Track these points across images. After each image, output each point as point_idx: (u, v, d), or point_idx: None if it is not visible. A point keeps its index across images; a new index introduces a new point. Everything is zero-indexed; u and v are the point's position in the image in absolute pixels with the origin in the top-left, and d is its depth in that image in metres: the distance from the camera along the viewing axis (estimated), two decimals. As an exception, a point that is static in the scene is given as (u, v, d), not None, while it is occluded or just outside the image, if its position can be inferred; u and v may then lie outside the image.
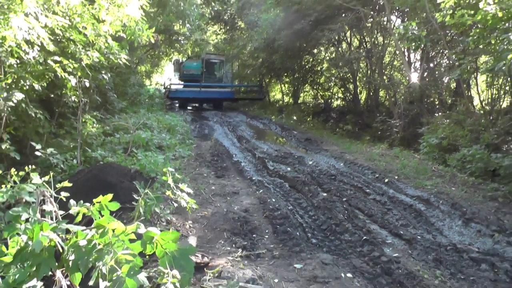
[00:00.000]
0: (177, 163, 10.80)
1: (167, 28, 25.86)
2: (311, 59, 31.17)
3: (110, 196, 3.58)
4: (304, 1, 22.52)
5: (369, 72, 24.43)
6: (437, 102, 19.36)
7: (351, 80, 26.64)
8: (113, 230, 3.13)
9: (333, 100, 30.42)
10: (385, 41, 22.36)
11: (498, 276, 5.78)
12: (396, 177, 11.23)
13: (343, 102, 29.39)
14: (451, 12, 10.29)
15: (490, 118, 14.25)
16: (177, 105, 33.99)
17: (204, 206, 7.77)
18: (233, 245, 6.04)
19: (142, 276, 2.92)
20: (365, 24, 21.49)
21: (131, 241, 3.15)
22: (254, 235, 6.59)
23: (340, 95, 29.95)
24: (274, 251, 5.96)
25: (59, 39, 8.49)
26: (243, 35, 36.79)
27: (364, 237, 6.69)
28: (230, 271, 4.98)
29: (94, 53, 8.64)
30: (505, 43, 8.95)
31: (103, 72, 11.10)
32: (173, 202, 6.05)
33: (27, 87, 7.88)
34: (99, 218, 3.34)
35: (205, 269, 4.97)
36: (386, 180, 10.89)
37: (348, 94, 28.20)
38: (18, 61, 7.52)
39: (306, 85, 33.32)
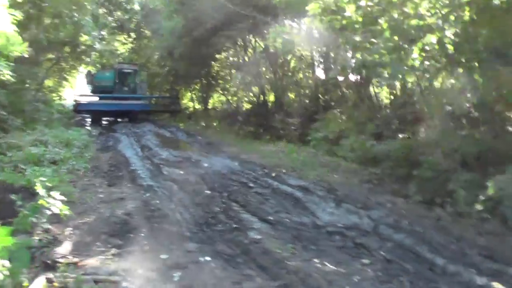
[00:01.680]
0: (70, 176, 11.04)
1: (70, 40, 25.60)
2: (216, 66, 31.56)
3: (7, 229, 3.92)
4: (201, 8, 22.98)
5: (274, 75, 25.13)
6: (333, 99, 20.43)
7: (256, 84, 27.32)
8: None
9: (241, 104, 30.86)
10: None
11: (346, 244, 6.56)
12: (284, 171, 11.99)
13: (251, 106, 29.99)
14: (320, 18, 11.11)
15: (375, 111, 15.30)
16: (88, 120, 32.47)
17: (88, 213, 8.09)
18: (108, 246, 6.44)
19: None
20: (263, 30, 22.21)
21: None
22: (131, 235, 6.99)
23: (247, 99, 30.55)
24: (146, 246, 6.41)
25: None
26: (150, 44, 36.70)
27: (234, 226, 7.29)
28: (96, 267, 5.43)
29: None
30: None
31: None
32: (46, 210, 6.36)
33: None
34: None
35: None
36: (274, 174, 11.60)
37: (254, 98, 28.91)
38: None
39: (215, 91, 33.79)
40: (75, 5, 21.30)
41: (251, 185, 10.47)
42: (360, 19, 9.95)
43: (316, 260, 5.82)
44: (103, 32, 33.36)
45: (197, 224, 7.59)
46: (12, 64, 10.19)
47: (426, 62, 8.96)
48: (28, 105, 19.19)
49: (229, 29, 22.08)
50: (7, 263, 3.41)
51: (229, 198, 9.23)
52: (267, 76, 25.22)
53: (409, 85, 12.81)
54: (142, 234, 7.02)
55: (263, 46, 23.56)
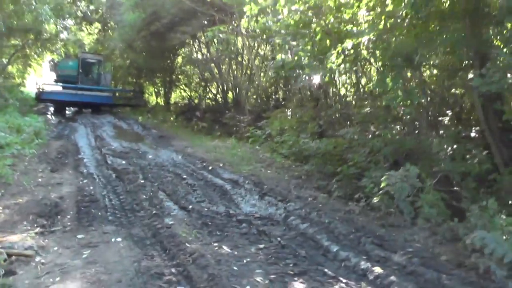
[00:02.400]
0: (13, 160, 11.46)
1: (32, 28, 25.77)
2: (178, 61, 31.90)
3: None
4: (159, 3, 23.41)
5: (231, 73, 25.67)
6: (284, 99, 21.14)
7: (215, 81, 27.85)
8: None
9: (200, 100, 31.26)
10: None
11: (250, 231, 7.15)
12: (221, 165, 12.59)
13: (209, 102, 30.49)
14: (255, 19, 11.76)
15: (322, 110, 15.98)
16: (51, 109, 31.82)
17: (22, 195, 8.57)
18: (34, 225, 6.93)
19: None
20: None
21: None
22: (58, 216, 7.51)
23: (208, 95, 31.02)
24: (68, 227, 6.95)
25: None
26: (114, 36, 36.78)
27: (155, 212, 7.85)
28: (14, 242, 5.95)
29: None
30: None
31: None
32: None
33: None
34: None
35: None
36: (210, 168, 12.22)
37: (211, 94, 29.48)
38: None
39: (176, 86, 34.20)
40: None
41: (185, 176, 11.07)
42: (292, 22, 10.62)
43: (215, 244, 6.41)
44: (70, 22, 33.42)
45: (122, 210, 8.13)
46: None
47: (342, 65, 9.67)
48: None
49: (186, 24, 22.56)
50: None
51: (159, 188, 9.78)
52: (226, 74, 25.76)
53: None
54: (68, 216, 7.55)
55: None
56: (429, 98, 9.96)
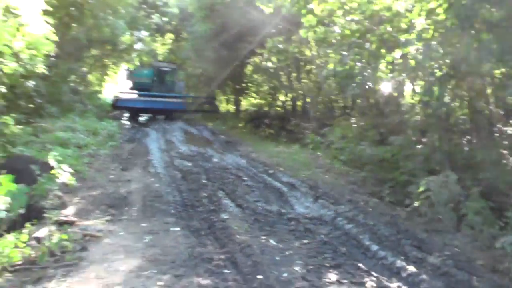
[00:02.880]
0: (89, 159, 12.56)
1: (109, 40, 27.35)
2: (245, 69, 32.64)
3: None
4: (227, 15, 24.33)
5: (298, 81, 26.19)
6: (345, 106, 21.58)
7: (283, 89, 28.50)
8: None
9: (269, 108, 31.75)
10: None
11: (297, 228, 7.71)
12: (281, 169, 13.19)
13: (279, 109, 31.04)
14: (313, 30, 12.29)
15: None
16: (126, 115, 32.86)
17: (96, 188, 9.57)
18: (105, 214, 7.84)
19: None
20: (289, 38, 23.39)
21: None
22: (126, 208, 8.38)
23: (276, 103, 31.60)
24: (134, 217, 7.80)
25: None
26: (185, 46, 38.00)
27: (212, 208, 8.57)
28: (88, 226, 6.84)
29: (11, 63, 10.39)
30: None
31: (29, 80, 12.85)
32: (58, 180, 7.80)
33: None
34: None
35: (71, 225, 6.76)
36: (271, 172, 12.83)
37: (280, 102, 30.12)
38: None
39: (246, 94, 34.99)
40: (110, 9, 23.09)
41: (245, 178, 11.72)
42: (348, 32, 11.11)
43: (263, 237, 7.02)
44: (144, 33, 34.89)
45: (183, 205, 8.88)
46: (52, 59, 11.73)
47: (390, 75, 10.07)
48: (65, 96, 20.98)
49: (253, 34, 23.27)
50: (9, 200, 4.89)
51: (219, 188, 10.46)
52: (293, 82, 26.27)
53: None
54: (135, 208, 8.41)
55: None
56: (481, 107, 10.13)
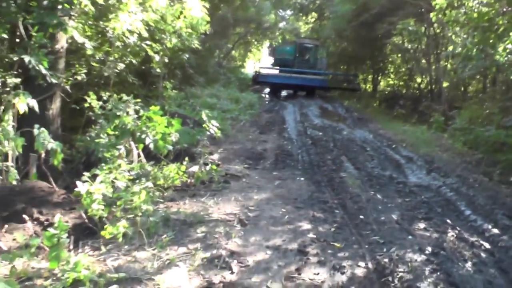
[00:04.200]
0: (232, 122, 14.60)
1: (254, 19, 29.43)
2: (384, 50, 32.61)
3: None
4: (369, -5, 25.23)
5: (431, 63, 26.49)
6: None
7: (418, 71, 28.78)
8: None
9: (406, 89, 31.66)
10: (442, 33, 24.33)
11: (403, 190, 8.90)
12: (404, 145, 14.25)
13: (414, 91, 31.17)
14: (443, 12, 12.94)
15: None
16: (267, 90, 33.80)
17: (236, 144, 11.58)
18: (243, 163, 9.68)
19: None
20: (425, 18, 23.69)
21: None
22: (261, 160, 10.21)
23: (412, 84, 31.72)
24: (267, 167, 9.57)
25: (151, 29, 12.31)
26: (328, 25, 38.88)
27: (334, 168, 10.08)
28: (230, 167, 8.68)
29: (173, 39, 12.59)
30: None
31: (183, 53, 15.16)
32: (207, 132, 9.69)
33: (127, 61, 11.83)
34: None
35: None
36: (394, 146, 13.95)
37: (416, 84, 30.37)
38: (122, 44, 11.39)
39: (384, 74, 35.45)
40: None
41: (368, 149, 12.98)
42: (476, 15, 11.69)
43: (371, 192, 8.36)
44: (288, 12, 36.61)
45: (310, 164, 10.47)
46: (203, 36, 13.93)
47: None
48: (211, 69, 23.56)
49: (393, 15, 23.52)
50: (178, 136, 6.89)
51: (343, 154, 11.90)
52: (429, 64, 26.50)
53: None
54: (268, 161, 10.19)
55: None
56: None
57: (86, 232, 5.24)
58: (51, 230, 3.99)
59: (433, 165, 11.59)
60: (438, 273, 4.95)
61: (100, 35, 11.46)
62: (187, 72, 18.80)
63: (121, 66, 11.45)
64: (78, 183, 5.05)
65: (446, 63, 23.26)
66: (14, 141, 6.40)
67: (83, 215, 5.32)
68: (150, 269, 4.38)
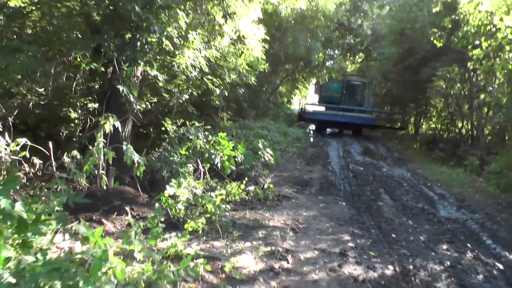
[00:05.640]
0: (281, 153, 16.01)
1: (304, 57, 30.78)
2: (427, 93, 33.05)
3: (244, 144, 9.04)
4: (415, 40, 26.27)
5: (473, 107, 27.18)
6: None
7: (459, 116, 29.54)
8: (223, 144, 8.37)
9: (448, 133, 32.38)
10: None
11: (432, 219, 10.00)
12: (438, 184, 15.29)
13: (455, 135, 31.77)
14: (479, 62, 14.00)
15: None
16: (311, 127, 34.26)
17: (285, 172, 13.02)
18: (292, 188, 11.06)
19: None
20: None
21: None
22: (307, 187, 11.58)
23: (453, 129, 32.32)
24: (313, 193, 10.93)
25: (212, 65, 13.86)
26: (374, 65, 39.84)
27: (372, 198, 11.32)
28: (281, 190, 10.06)
29: (232, 75, 14.15)
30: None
31: (240, 88, 16.75)
32: (262, 159, 11.11)
33: (189, 93, 13.39)
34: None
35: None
36: (429, 184, 15.01)
37: (456, 128, 31.05)
38: (186, 77, 12.94)
39: (426, 117, 36.12)
40: (308, 32, 26.79)
41: (405, 185, 14.12)
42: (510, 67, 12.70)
43: (404, 218, 9.58)
44: (336, 51, 38.05)
45: (351, 193, 11.75)
46: (256, 72, 15.58)
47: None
48: (262, 103, 25.21)
49: (436, 60, 24.52)
50: (242, 157, 8.39)
51: (382, 187, 13.09)
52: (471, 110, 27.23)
53: None
54: (314, 188, 11.53)
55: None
56: None
57: (170, 226, 6.66)
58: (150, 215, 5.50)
59: (464, 203, 12.56)
60: (453, 279, 6.16)
61: (166, 69, 12.98)
62: (241, 105, 20.51)
63: (185, 97, 13.01)
64: (167, 187, 6.57)
65: (487, 110, 24.13)
66: (106, 154, 7.94)
67: (169, 212, 6.75)
68: (225, 254, 5.92)
